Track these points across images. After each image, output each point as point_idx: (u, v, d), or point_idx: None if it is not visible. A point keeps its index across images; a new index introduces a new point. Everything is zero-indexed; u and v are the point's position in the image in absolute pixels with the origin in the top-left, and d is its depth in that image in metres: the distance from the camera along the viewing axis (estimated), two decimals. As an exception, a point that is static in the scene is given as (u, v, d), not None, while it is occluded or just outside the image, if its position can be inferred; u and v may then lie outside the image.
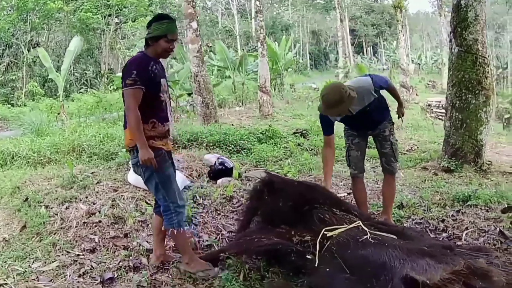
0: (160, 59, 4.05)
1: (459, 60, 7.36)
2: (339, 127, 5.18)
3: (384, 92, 4.96)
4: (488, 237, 4.77)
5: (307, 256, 3.79)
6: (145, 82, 3.74)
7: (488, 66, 7.30)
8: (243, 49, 38.17)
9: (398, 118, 5.37)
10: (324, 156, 4.96)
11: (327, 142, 4.89)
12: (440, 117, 15.77)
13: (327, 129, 4.82)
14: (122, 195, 5.77)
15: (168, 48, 3.91)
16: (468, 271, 3.18)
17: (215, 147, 8.43)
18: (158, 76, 3.89)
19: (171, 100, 4.31)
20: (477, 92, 7.26)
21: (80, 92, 24.09)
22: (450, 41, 7.63)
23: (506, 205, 5.52)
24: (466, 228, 5.01)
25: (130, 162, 4.22)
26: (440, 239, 4.75)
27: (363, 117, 4.73)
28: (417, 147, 9.60)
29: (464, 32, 7.26)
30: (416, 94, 23.54)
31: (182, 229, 3.99)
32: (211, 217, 5.52)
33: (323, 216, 4.14)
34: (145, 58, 3.89)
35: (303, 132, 10.29)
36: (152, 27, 3.87)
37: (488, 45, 7.41)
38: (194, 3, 12.03)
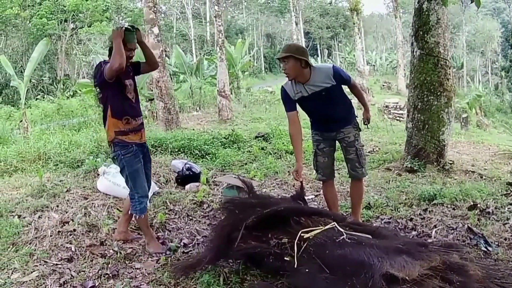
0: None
1: (421, 63, 7.52)
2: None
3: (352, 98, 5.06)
4: (457, 234, 4.92)
5: (285, 258, 3.85)
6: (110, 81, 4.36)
7: (449, 68, 7.48)
8: (200, 53, 38.07)
9: (364, 123, 5.34)
10: (291, 134, 4.87)
11: (291, 119, 4.81)
12: (398, 118, 16.06)
13: (289, 105, 4.81)
14: (93, 203, 5.77)
15: (127, 56, 4.36)
16: (444, 267, 3.33)
17: (180, 152, 8.47)
18: (121, 78, 4.44)
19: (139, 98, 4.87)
20: (439, 93, 7.42)
21: (37, 98, 23.55)
22: (412, 44, 7.77)
23: (471, 203, 5.70)
24: (435, 226, 5.16)
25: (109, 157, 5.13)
26: (410, 237, 4.86)
27: (321, 106, 4.78)
28: (379, 149, 9.72)
29: (426, 35, 7.43)
30: (372, 96, 23.94)
31: (143, 215, 4.68)
32: (183, 223, 5.58)
33: (298, 219, 4.19)
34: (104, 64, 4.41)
35: (265, 136, 10.32)
36: None
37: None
38: (155, 9, 12.03)
